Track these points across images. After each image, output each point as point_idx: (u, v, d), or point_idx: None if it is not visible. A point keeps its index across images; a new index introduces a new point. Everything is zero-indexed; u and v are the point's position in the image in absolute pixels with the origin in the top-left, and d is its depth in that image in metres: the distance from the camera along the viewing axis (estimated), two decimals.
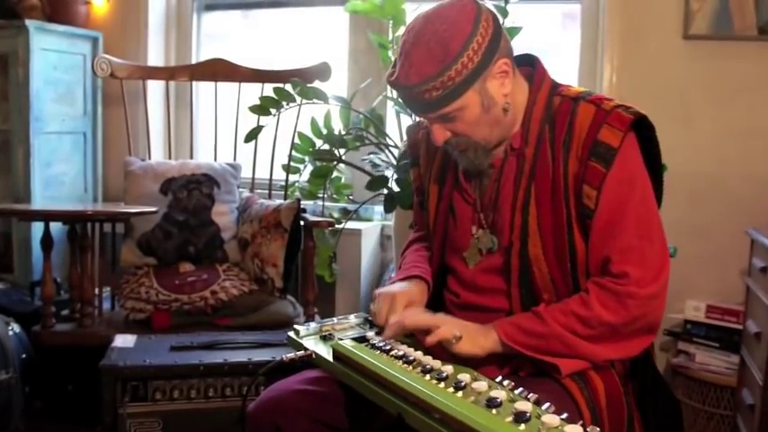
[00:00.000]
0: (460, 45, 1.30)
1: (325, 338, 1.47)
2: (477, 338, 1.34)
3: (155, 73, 2.99)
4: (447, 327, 1.34)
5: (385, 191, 2.50)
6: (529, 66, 1.49)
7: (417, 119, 1.78)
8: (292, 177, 2.83)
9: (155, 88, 3.20)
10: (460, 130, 1.39)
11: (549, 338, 1.33)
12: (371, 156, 2.63)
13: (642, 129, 1.39)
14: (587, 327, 1.32)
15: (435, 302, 1.57)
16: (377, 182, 2.50)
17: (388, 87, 2.76)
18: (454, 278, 1.54)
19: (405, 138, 2.64)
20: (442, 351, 1.34)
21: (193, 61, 3.35)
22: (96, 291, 2.41)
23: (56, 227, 2.41)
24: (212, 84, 2.94)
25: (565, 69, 2.88)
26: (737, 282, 2.54)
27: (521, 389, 1.12)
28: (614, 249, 1.34)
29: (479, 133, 1.39)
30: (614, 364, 1.41)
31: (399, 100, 2.48)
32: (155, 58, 3.32)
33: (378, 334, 1.44)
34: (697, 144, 2.60)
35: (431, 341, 1.33)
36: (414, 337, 1.43)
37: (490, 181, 1.47)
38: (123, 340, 1.99)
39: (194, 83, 3.03)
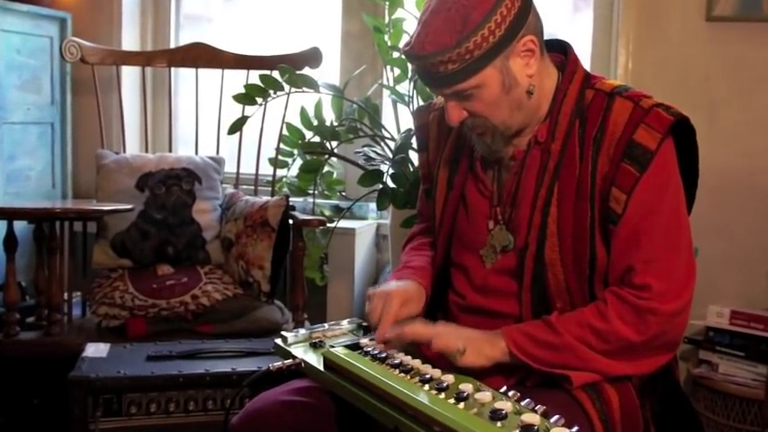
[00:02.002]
0: (482, 15, 1.30)
1: (316, 346, 1.48)
2: (482, 348, 1.35)
3: (130, 58, 2.99)
4: (450, 338, 1.34)
5: (379, 186, 2.51)
6: (560, 53, 1.49)
7: (420, 102, 1.79)
8: (280, 172, 2.84)
9: (130, 75, 3.20)
10: (478, 111, 1.39)
11: (562, 350, 1.34)
12: (366, 149, 2.63)
13: (680, 130, 1.39)
14: (603, 341, 1.34)
15: (437, 303, 1.57)
16: (370, 176, 2.50)
17: (385, 75, 2.78)
18: (463, 277, 1.54)
19: (401, 130, 2.66)
20: (443, 359, 1.35)
21: (172, 45, 3.36)
22: (65, 296, 2.41)
23: (21, 226, 2.42)
24: (193, 70, 2.94)
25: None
26: (765, 285, 2.55)
27: (527, 400, 1.12)
28: (638, 259, 1.35)
29: (498, 116, 1.40)
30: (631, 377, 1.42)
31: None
32: (129, 41, 3.31)
33: (371, 332, 1.46)
34: (721, 135, 2.61)
35: (435, 348, 1.33)
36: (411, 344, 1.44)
37: (510, 174, 1.48)
38: (95, 349, 1.99)
39: (173, 69, 3.03)
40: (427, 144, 1.65)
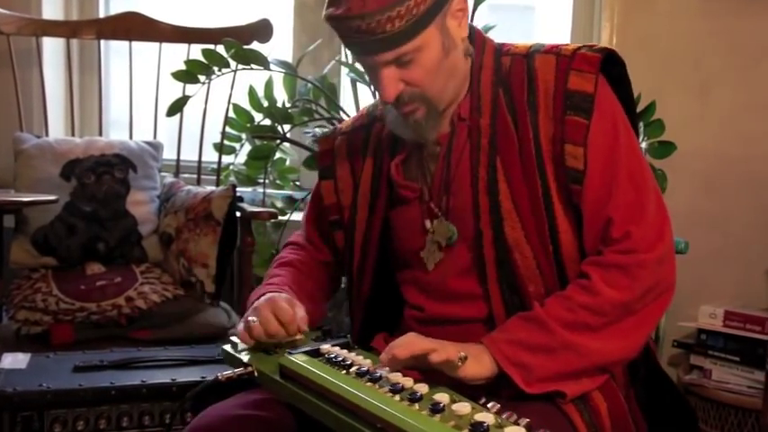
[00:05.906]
0: None
1: (270, 352, 1.46)
2: (482, 358, 1.35)
3: (52, 28, 2.95)
4: (449, 348, 1.32)
5: None
6: None
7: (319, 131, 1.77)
8: (226, 159, 2.84)
9: (52, 48, 3.15)
10: (416, 79, 1.41)
11: (559, 350, 1.35)
12: (319, 131, 2.63)
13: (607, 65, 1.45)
14: (599, 315, 1.36)
15: (393, 327, 1.58)
16: None
17: (343, 51, 2.77)
18: (413, 289, 1.56)
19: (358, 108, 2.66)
20: (416, 369, 1.33)
21: (101, 15, 3.32)
22: None
23: None
24: (126, 43, 2.91)
25: (554, 29, 2.91)
26: (761, 283, 2.59)
27: (509, 412, 1.12)
28: (613, 208, 1.39)
29: (435, 85, 1.43)
30: (615, 375, 1.45)
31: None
32: (51, 9, 3.26)
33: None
34: (714, 118, 2.64)
35: (436, 359, 1.29)
36: (374, 351, 1.44)
37: (437, 161, 1.51)
38: (13, 360, 1.96)
39: (103, 42, 3.01)
40: (335, 172, 1.68)
